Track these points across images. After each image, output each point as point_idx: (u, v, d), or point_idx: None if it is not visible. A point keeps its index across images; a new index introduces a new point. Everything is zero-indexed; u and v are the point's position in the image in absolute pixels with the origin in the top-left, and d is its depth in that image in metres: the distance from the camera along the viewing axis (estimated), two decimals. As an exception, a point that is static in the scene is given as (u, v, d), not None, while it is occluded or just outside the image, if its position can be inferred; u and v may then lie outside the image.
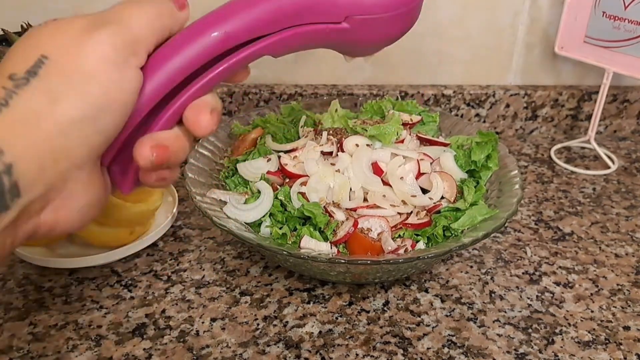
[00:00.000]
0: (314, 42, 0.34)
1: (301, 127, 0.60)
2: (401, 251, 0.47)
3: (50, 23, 0.27)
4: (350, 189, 0.51)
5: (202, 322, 0.47)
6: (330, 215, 0.49)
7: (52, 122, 0.25)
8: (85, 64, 0.26)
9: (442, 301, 0.50)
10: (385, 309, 0.49)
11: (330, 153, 0.55)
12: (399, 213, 0.50)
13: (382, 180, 0.52)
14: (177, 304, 0.49)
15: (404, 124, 0.59)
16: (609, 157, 0.76)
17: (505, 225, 0.59)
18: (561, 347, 0.45)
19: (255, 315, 0.48)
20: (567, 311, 0.49)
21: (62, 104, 0.25)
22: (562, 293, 0.51)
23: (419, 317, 0.48)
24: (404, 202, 0.51)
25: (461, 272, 0.54)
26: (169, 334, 0.46)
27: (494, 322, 0.48)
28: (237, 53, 0.30)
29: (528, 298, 0.51)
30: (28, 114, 0.25)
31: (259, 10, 0.30)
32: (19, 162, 0.24)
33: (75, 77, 0.26)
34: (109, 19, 0.27)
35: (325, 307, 0.49)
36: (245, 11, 0.30)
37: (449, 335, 0.46)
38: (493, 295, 0.51)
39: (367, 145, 0.54)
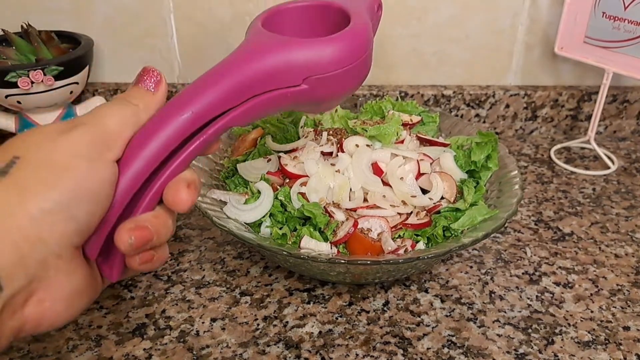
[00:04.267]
0: (279, 106, 0.36)
1: (301, 127, 0.60)
2: (401, 251, 0.47)
3: (28, 130, 0.29)
4: (350, 189, 0.51)
5: (202, 322, 0.47)
6: (330, 216, 0.49)
7: (23, 213, 0.25)
8: (57, 159, 0.27)
9: (442, 301, 0.50)
10: (385, 309, 0.49)
11: (330, 153, 0.55)
12: (398, 213, 0.50)
13: (382, 180, 0.52)
14: (177, 304, 0.49)
15: (404, 125, 0.59)
16: (609, 158, 0.76)
17: (505, 225, 0.59)
18: (561, 347, 0.46)
19: (255, 315, 0.48)
20: (567, 311, 0.49)
21: (32, 195, 0.26)
22: (562, 293, 0.51)
23: (419, 317, 0.48)
24: (403, 203, 0.51)
25: (461, 272, 0.54)
26: (169, 334, 0.46)
27: (493, 322, 0.48)
28: (207, 129, 0.32)
29: (528, 298, 0.51)
30: None
31: (222, 87, 0.32)
32: None
33: (46, 171, 0.26)
34: (82, 121, 0.29)
35: (325, 307, 0.49)
36: (209, 89, 0.31)
37: (448, 335, 0.46)
38: (493, 295, 0.51)
39: (367, 145, 0.54)
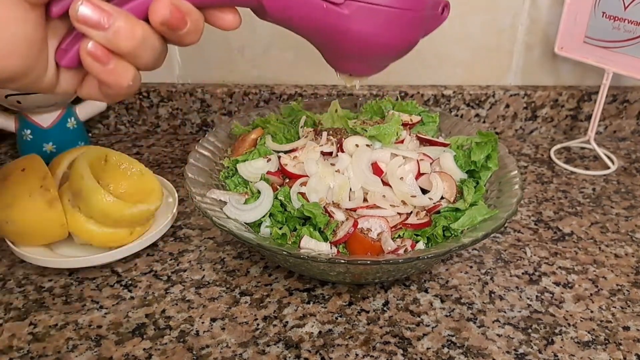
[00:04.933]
0: (309, 19, 0.33)
1: (301, 127, 0.60)
2: (401, 251, 0.47)
3: None
4: (350, 189, 0.51)
5: (202, 322, 0.47)
6: (330, 216, 0.49)
7: None
8: None
9: (442, 301, 0.50)
10: (385, 309, 0.49)
11: (330, 153, 0.55)
12: (398, 213, 0.50)
13: (381, 180, 0.52)
14: (177, 304, 0.49)
15: (404, 124, 0.59)
16: (609, 158, 0.76)
17: (505, 225, 0.59)
18: (561, 347, 0.46)
19: (255, 315, 0.48)
20: (567, 311, 0.49)
21: None
22: (562, 293, 0.51)
23: (419, 317, 0.48)
24: (403, 203, 0.51)
25: (461, 272, 0.54)
26: (169, 334, 0.46)
27: (493, 322, 0.48)
28: None
29: (528, 298, 0.51)
30: None
31: None
32: None
33: None
34: None
35: (325, 307, 0.49)
36: None
37: (448, 335, 0.46)
38: (493, 295, 0.51)
39: (367, 145, 0.54)
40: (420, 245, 0.49)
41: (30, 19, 0.27)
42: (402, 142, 0.57)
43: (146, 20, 0.29)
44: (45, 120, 0.67)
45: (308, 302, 0.49)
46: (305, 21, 0.34)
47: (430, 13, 0.38)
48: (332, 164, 0.53)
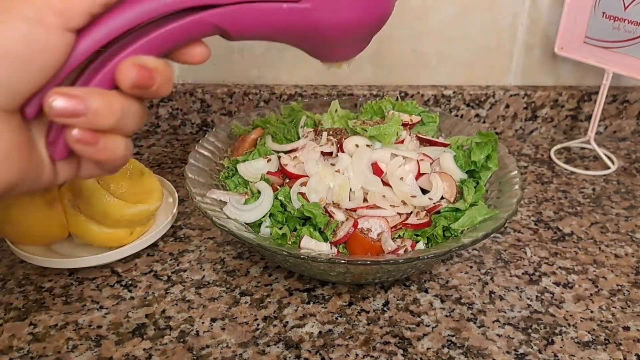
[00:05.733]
0: (274, 27, 0.32)
1: (301, 127, 0.60)
2: (401, 251, 0.47)
3: None
4: (350, 189, 0.51)
5: (202, 323, 0.47)
6: (330, 216, 0.49)
7: None
8: None
9: (442, 301, 0.50)
10: (385, 309, 0.49)
11: (330, 153, 0.55)
12: (398, 213, 0.50)
13: (382, 180, 0.52)
14: (177, 304, 0.49)
15: (404, 125, 0.59)
16: (609, 158, 0.76)
17: (505, 225, 0.59)
18: (561, 347, 0.46)
19: (255, 315, 0.48)
20: (567, 311, 0.49)
21: None
22: (562, 293, 0.51)
23: (419, 317, 0.48)
24: (403, 203, 0.51)
25: (461, 272, 0.54)
26: (169, 334, 0.46)
27: (493, 322, 0.48)
28: (182, 17, 0.29)
29: (528, 298, 0.51)
30: None
31: None
32: None
33: None
34: None
35: (325, 308, 0.49)
36: None
37: (448, 335, 0.46)
38: (493, 295, 0.51)
39: (367, 145, 0.54)
40: (420, 245, 0.49)
41: (8, 127, 0.27)
42: (402, 142, 0.57)
43: (117, 87, 0.29)
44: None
45: (308, 302, 0.49)
46: (272, 29, 0.33)
47: None
48: (332, 164, 0.53)
